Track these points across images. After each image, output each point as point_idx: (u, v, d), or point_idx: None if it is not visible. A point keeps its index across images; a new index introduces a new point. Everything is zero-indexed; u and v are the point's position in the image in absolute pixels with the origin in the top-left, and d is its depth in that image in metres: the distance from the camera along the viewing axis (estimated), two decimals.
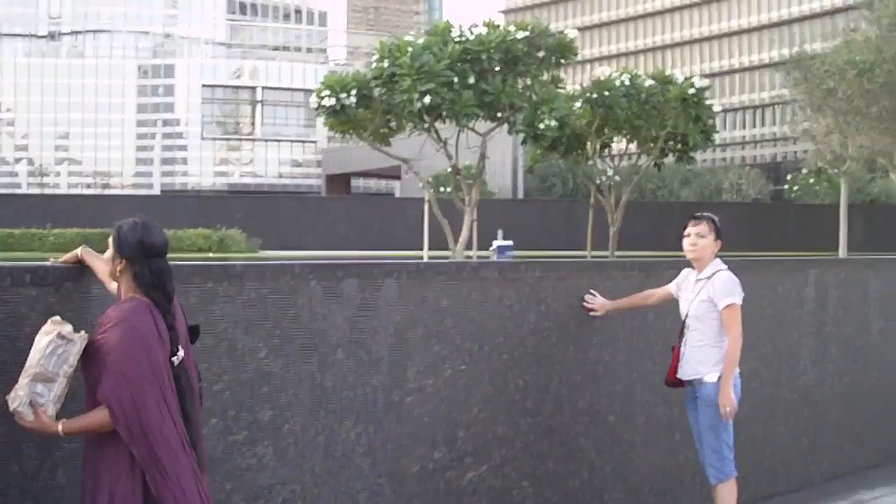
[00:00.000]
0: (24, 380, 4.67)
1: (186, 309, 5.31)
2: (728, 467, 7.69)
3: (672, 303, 7.99)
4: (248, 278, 6.12)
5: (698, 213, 7.87)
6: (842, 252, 54.91)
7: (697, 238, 7.70)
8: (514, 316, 7.51)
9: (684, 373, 7.76)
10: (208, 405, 5.76)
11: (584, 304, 7.93)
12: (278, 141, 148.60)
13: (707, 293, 7.62)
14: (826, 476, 10.30)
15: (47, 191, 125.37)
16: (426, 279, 7.05)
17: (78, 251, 5.36)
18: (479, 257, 38.31)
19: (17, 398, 4.65)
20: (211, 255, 45.56)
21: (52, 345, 4.68)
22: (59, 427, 4.70)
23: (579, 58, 36.42)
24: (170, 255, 5.12)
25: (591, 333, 8.04)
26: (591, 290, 7.96)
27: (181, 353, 4.92)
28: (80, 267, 5.40)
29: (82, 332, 4.79)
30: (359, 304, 6.59)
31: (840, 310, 10.62)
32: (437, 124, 31.00)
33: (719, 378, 7.55)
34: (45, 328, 4.76)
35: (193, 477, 4.89)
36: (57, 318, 4.83)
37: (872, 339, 11.07)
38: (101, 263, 5.26)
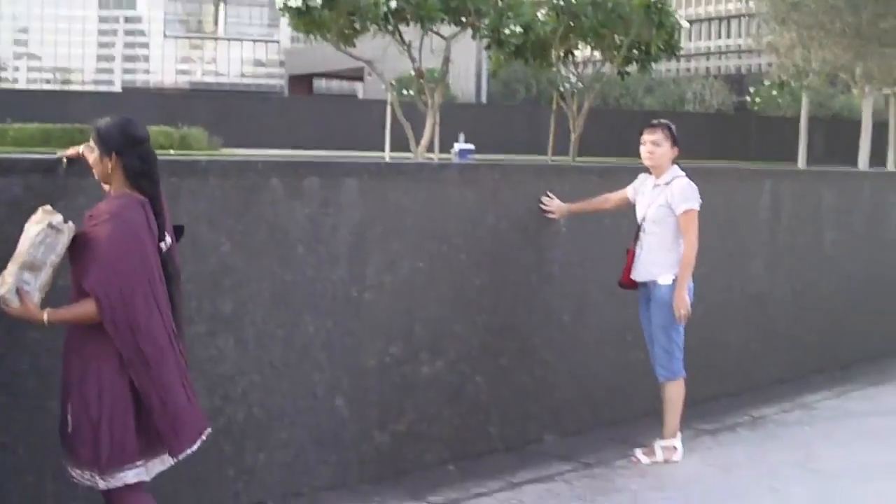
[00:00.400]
0: (12, 266, 4.69)
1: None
2: (677, 366, 7.90)
3: (628, 207, 8.12)
4: (211, 174, 6.21)
5: (654, 121, 7.97)
6: (801, 164, 55.25)
7: (654, 146, 7.82)
8: (473, 217, 7.63)
9: (639, 274, 7.91)
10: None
11: (541, 205, 8.05)
12: (241, 40, 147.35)
13: (665, 198, 7.75)
14: (774, 380, 10.53)
15: (6, 85, 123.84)
16: (387, 179, 7.16)
17: (80, 148, 5.34)
18: (440, 160, 38.31)
19: (6, 284, 4.68)
20: (172, 152, 45.28)
21: (42, 234, 4.69)
22: (45, 315, 4.72)
23: None
24: None
25: (548, 236, 8.17)
26: (548, 193, 8.08)
27: (168, 239, 4.95)
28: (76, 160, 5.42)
29: (70, 222, 4.78)
30: (319, 202, 6.69)
31: (794, 220, 10.81)
32: (402, 27, 30.84)
33: (673, 280, 7.72)
34: (35, 217, 4.78)
35: (178, 373, 4.92)
36: (48, 207, 4.84)
37: (825, 250, 11.28)
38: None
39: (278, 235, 6.49)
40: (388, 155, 40.14)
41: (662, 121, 7.94)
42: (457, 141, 44.41)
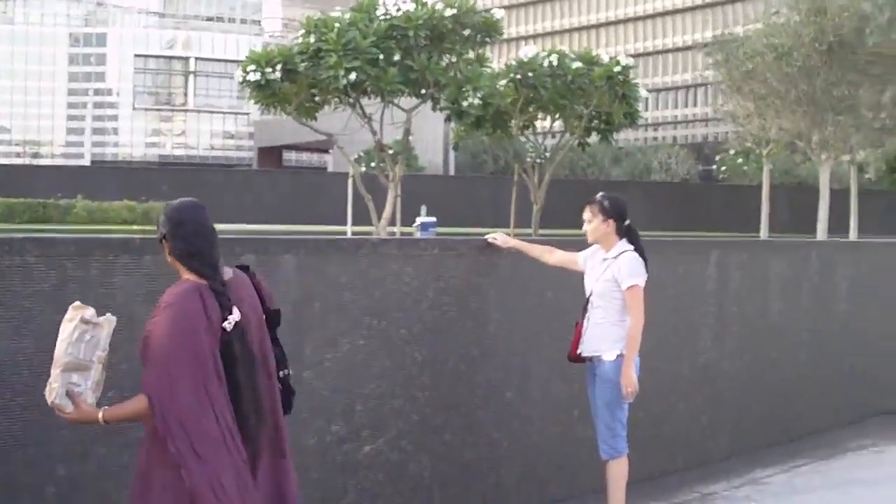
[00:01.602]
0: (55, 371, 4.58)
1: (91, 283, 5.43)
2: (620, 444, 7.86)
3: (573, 274, 8.13)
4: (147, 251, 6.18)
5: (590, 198, 8.03)
6: (763, 233, 55.56)
7: (586, 224, 7.89)
8: (413, 292, 7.62)
9: (585, 349, 7.90)
10: (107, 375, 5.84)
11: (487, 239, 8.09)
12: (211, 112, 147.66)
13: (612, 273, 7.76)
14: (724, 454, 10.53)
15: None
16: (325, 255, 7.16)
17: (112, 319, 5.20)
18: (402, 233, 38.38)
19: (52, 391, 4.57)
20: (135, 227, 45.24)
21: (78, 331, 4.60)
22: (100, 415, 4.66)
23: (508, 36, 36.49)
24: (94, 228, 5.20)
25: (490, 310, 8.17)
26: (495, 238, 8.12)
27: (234, 316, 4.77)
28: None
29: (108, 314, 4.76)
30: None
31: (741, 291, 10.86)
32: (363, 100, 31.02)
33: (618, 356, 7.71)
34: (67, 315, 4.67)
35: (235, 472, 4.74)
36: (77, 303, 4.74)
37: (772, 320, 11.32)
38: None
39: None
40: (349, 229, 40.18)
41: (596, 197, 7.97)
42: (419, 214, 44.57)
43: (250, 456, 4.85)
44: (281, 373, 5.21)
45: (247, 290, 5.02)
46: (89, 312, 4.65)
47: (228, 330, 4.74)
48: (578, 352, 7.96)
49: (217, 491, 4.64)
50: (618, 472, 7.90)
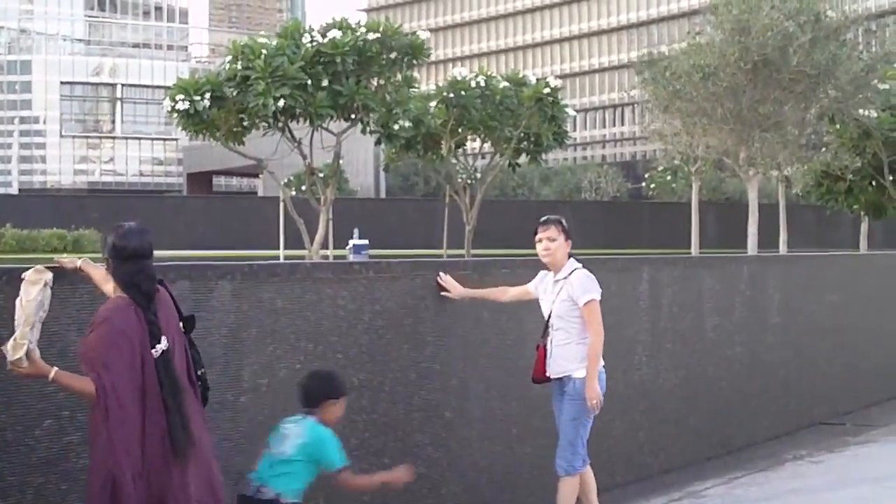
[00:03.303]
0: (25, 329, 4.92)
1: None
2: (578, 462, 7.93)
3: (529, 301, 8.20)
4: (80, 279, 6.13)
5: (545, 217, 8.07)
6: (694, 249, 55.99)
7: (549, 242, 7.92)
8: (349, 315, 7.62)
9: (553, 370, 7.96)
10: (42, 406, 5.80)
11: (438, 281, 8.13)
12: (139, 139, 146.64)
13: (567, 292, 7.85)
14: (663, 468, 10.59)
15: None
16: (260, 280, 7.13)
17: (78, 262, 5.81)
18: (335, 256, 38.30)
19: (20, 347, 4.90)
20: (65, 256, 44.80)
21: (41, 294, 5.06)
22: (52, 374, 5.05)
23: (438, 58, 36.71)
24: (21, 257, 5.39)
25: (425, 332, 8.18)
26: (441, 273, 8.15)
27: (162, 345, 5.19)
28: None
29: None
30: (192, 305, 6.63)
31: (675, 307, 10.94)
32: (292, 124, 30.91)
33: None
34: (30, 278, 5.09)
35: (160, 468, 5.19)
36: (39, 266, 5.18)
37: (707, 335, 11.42)
38: (98, 272, 5.74)
39: None
40: (282, 253, 40.06)
41: (553, 217, 8.04)
42: (351, 237, 44.56)
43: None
44: (198, 371, 5.66)
45: (167, 304, 5.45)
46: (49, 276, 5.15)
47: (155, 357, 5.14)
48: (547, 374, 8.00)
49: (137, 483, 5.12)
50: (569, 489, 7.96)
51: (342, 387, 6.39)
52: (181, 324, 5.56)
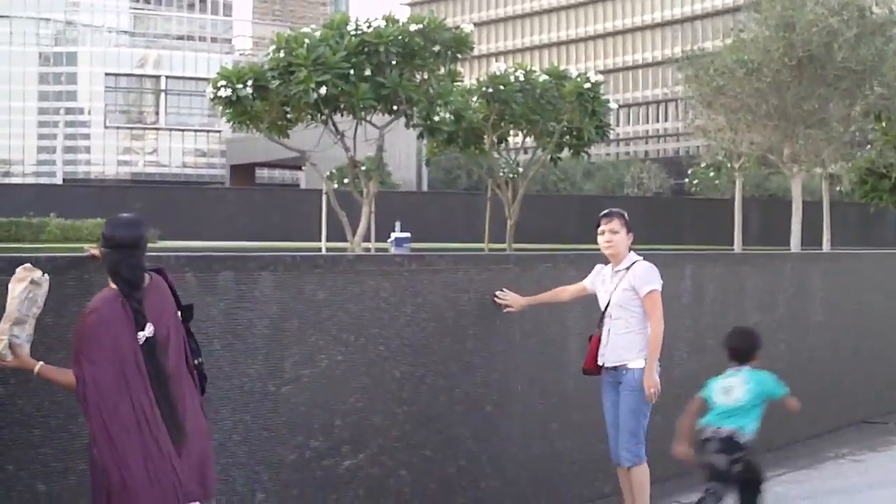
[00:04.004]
0: (5, 325, 5.09)
1: (63, 301, 5.61)
2: (642, 451, 8.02)
3: (586, 298, 8.28)
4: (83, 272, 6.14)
5: (607, 210, 8.13)
6: (737, 246, 55.69)
7: (612, 234, 7.95)
8: (391, 308, 7.63)
9: (608, 359, 7.99)
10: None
11: (496, 299, 8.16)
12: (182, 130, 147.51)
13: (629, 282, 7.89)
14: None
15: None
16: (302, 271, 7.16)
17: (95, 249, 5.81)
18: (377, 249, 38.33)
19: (0, 342, 5.05)
20: (94, 245, 45.01)
21: (27, 290, 5.15)
22: (37, 368, 5.20)
23: (480, 52, 36.64)
24: (66, 246, 5.47)
25: (467, 325, 8.18)
26: (503, 289, 8.21)
27: (147, 332, 5.26)
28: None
29: (47, 275, 5.31)
30: (235, 296, 6.68)
31: (717, 303, 10.89)
32: (336, 117, 30.99)
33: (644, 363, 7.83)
34: (17, 275, 5.19)
35: (143, 455, 5.21)
36: (28, 265, 5.25)
37: None
38: None
39: (193, 331, 6.43)
40: (324, 245, 40.09)
41: (616, 210, 8.11)
42: (393, 230, 44.56)
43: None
44: (196, 361, 5.77)
45: (163, 293, 5.54)
46: (37, 274, 5.22)
47: (140, 343, 5.24)
48: (599, 363, 8.04)
49: (123, 471, 5.16)
50: (642, 477, 8.05)
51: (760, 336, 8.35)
52: (179, 313, 5.65)
